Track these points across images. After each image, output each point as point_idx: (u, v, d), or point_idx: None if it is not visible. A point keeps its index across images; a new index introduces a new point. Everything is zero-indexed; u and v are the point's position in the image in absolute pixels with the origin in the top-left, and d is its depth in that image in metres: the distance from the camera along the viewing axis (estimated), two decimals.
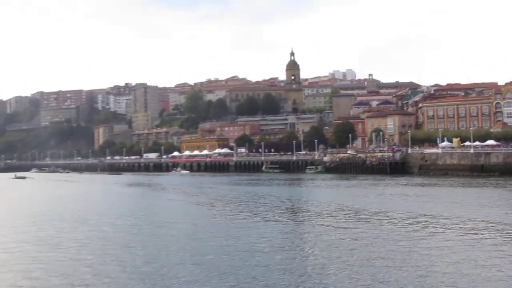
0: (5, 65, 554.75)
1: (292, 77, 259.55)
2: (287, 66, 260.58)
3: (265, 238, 32.17)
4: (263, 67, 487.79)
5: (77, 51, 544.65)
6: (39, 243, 32.35)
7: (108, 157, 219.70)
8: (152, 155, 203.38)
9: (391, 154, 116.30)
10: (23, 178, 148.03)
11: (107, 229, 38.34)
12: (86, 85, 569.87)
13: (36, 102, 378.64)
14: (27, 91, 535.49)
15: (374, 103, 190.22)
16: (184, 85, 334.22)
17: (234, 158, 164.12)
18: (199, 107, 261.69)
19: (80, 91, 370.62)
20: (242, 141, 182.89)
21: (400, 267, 24.11)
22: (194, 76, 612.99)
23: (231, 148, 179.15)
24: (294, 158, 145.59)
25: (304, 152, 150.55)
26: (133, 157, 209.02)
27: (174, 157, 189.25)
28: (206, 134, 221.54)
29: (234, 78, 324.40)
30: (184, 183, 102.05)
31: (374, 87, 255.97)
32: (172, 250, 28.69)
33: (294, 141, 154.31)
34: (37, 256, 28.03)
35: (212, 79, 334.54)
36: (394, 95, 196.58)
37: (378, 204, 50.81)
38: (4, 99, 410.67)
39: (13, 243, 32.73)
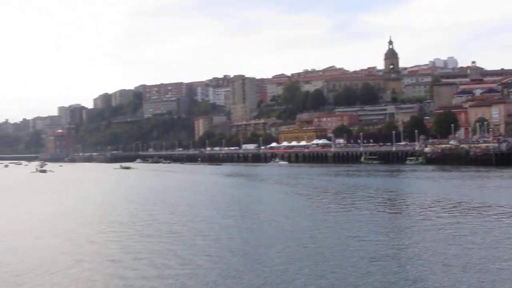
0: (110, 60, 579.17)
1: (391, 66, 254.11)
2: (386, 55, 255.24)
3: (364, 229, 31.62)
4: (360, 56, 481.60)
5: (177, 45, 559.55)
6: (152, 230, 33.29)
7: (208, 148, 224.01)
8: (251, 146, 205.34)
9: (496, 144, 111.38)
10: (128, 168, 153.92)
11: (207, 218, 38.87)
12: (186, 78, 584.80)
13: (139, 95, 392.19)
14: (130, 85, 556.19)
15: (477, 92, 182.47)
16: (281, 76, 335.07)
17: (332, 149, 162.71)
18: (296, 98, 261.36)
19: (180, 84, 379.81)
20: (340, 131, 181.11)
21: None
22: (291, 67, 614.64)
23: (329, 139, 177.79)
24: (394, 149, 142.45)
25: (404, 143, 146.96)
26: (232, 148, 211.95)
27: (272, 148, 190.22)
28: (304, 125, 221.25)
29: (331, 68, 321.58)
30: (282, 174, 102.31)
31: (477, 74, 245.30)
32: (270, 240, 28.68)
33: (393, 132, 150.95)
34: (144, 242, 28.84)
35: (309, 69, 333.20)
36: (499, 83, 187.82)
37: (485, 197, 48.69)
38: (110, 92, 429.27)
39: (131, 227, 34.14)
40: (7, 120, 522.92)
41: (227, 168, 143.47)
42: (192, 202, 50.55)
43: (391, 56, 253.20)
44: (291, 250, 25.77)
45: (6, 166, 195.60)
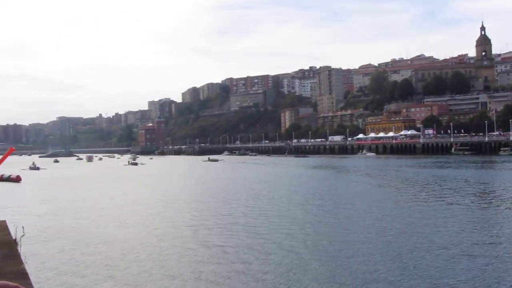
0: (198, 54, 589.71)
1: (483, 53, 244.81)
2: (477, 41, 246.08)
3: (452, 224, 30.75)
4: (450, 44, 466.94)
5: (263, 38, 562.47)
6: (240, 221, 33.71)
7: (294, 140, 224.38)
8: (337, 138, 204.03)
9: None
10: (216, 160, 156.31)
11: (294, 210, 38.86)
12: (272, 70, 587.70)
13: (226, 88, 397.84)
14: (218, 78, 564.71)
15: None
16: (368, 66, 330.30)
17: (421, 140, 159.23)
18: (383, 88, 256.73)
19: (266, 76, 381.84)
20: (429, 122, 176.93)
21: None
22: (378, 56, 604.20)
23: (417, 129, 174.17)
24: (486, 139, 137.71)
25: (497, 133, 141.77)
26: (318, 140, 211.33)
27: (359, 139, 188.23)
28: (392, 115, 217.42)
29: (420, 57, 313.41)
30: (369, 166, 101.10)
31: None
32: (356, 234, 28.40)
33: (486, 121, 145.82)
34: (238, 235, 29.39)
35: (397, 59, 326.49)
36: None
37: None
38: (198, 86, 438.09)
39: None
40: (100, 115, 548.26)
41: (313, 160, 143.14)
42: (279, 194, 50.52)
43: (483, 42, 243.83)
44: (381, 245, 25.43)
45: (100, 159, 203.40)
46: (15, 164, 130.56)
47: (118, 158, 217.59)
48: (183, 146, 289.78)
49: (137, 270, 21.37)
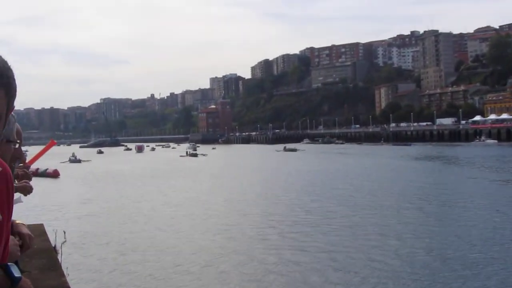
0: (269, 21, 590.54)
1: None
2: None
3: None
4: None
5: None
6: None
7: (393, 124, 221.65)
8: (447, 121, 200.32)
9: None
10: (294, 150, 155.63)
11: (395, 211, 38.78)
12: (364, 37, 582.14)
13: (306, 60, 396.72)
14: (295, 48, 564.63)
15: None
16: (486, 29, 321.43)
17: None
18: (507, 57, 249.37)
19: (356, 44, 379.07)
20: None
21: None
22: (500, 17, 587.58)
23: None
24: None
25: None
26: (423, 124, 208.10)
27: (475, 122, 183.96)
28: None
29: None
30: (490, 156, 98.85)
31: None
32: (469, 240, 27.96)
33: None
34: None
35: None
36: None
37: None
38: (271, 58, 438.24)
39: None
40: (152, 95, 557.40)
41: (416, 149, 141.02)
42: (378, 194, 50.04)
43: None
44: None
45: (153, 149, 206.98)
46: (52, 156, 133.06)
47: (173, 148, 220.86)
48: (253, 133, 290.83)
49: (194, 285, 21.58)
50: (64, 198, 54.46)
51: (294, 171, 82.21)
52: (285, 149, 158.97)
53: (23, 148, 3.88)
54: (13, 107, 1.47)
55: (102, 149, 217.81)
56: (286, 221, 36.55)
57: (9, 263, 2.19)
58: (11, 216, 1.67)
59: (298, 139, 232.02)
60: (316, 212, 40.31)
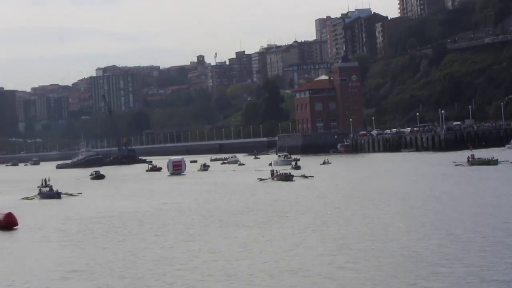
0: None
1: None
2: None
3: None
4: None
5: None
6: None
7: None
8: None
9: None
10: (495, 163, 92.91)
11: None
12: None
13: None
14: None
15: None
16: None
17: None
18: None
19: None
20: None
21: None
22: None
23: None
24: None
25: None
26: None
27: None
28: None
29: None
30: None
31: None
32: None
33: None
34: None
35: None
36: None
37: None
38: None
39: None
40: (201, 58, 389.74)
41: None
42: None
43: None
44: None
45: (204, 167, 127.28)
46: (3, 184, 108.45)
47: (240, 164, 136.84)
48: (406, 129, 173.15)
49: None
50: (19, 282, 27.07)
51: None
52: (472, 161, 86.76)
53: None
54: None
55: (102, 170, 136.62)
56: None
57: None
58: None
59: (499, 140, 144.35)
60: None
